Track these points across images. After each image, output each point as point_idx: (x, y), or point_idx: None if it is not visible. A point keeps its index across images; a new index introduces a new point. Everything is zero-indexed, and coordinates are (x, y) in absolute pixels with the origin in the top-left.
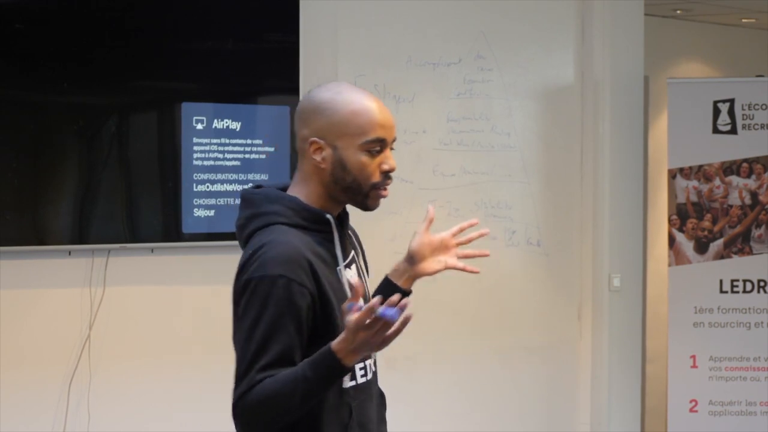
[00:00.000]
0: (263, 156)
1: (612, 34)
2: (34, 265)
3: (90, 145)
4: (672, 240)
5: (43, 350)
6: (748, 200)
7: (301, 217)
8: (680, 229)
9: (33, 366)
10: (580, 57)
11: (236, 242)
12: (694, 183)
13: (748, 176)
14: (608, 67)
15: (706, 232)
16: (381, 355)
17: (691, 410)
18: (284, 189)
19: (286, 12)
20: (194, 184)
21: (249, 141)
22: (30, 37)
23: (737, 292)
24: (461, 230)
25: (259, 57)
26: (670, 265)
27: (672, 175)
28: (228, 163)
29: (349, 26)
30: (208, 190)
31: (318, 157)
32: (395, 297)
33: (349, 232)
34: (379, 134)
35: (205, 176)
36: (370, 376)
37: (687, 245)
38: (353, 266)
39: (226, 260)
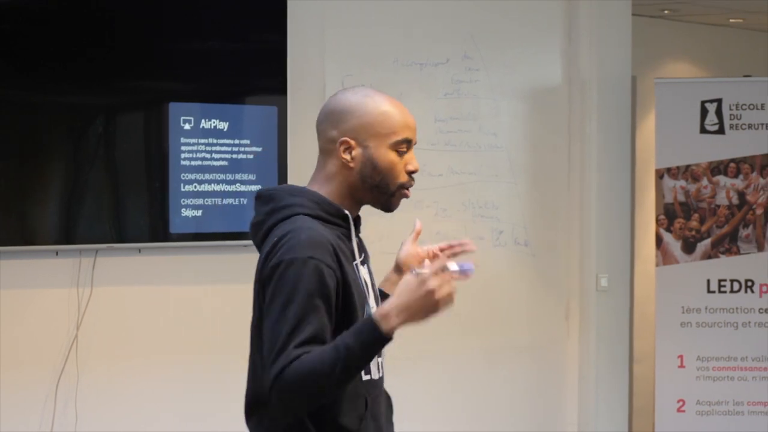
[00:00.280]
0: (251, 156)
1: (599, 34)
2: (21, 266)
3: (77, 145)
4: (659, 240)
5: (30, 350)
6: (735, 200)
7: (322, 210)
8: (668, 229)
9: (20, 366)
10: (567, 57)
11: (224, 242)
12: (682, 183)
13: (736, 176)
14: (596, 67)
15: (693, 232)
16: None
17: (678, 410)
18: None
19: (274, 12)
20: (182, 184)
21: (236, 141)
22: (17, 37)
23: (725, 292)
24: (450, 247)
25: (247, 57)
26: (657, 265)
27: (659, 175)
28: (215, 163)
29: (336, 26)
30: (195, 190)
31: (348, 156)
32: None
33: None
34: (407, 135)
35: (192, 176)
36: (381, 374)
37: (674, 245)
38: (366, 266)
39: (214, 260)
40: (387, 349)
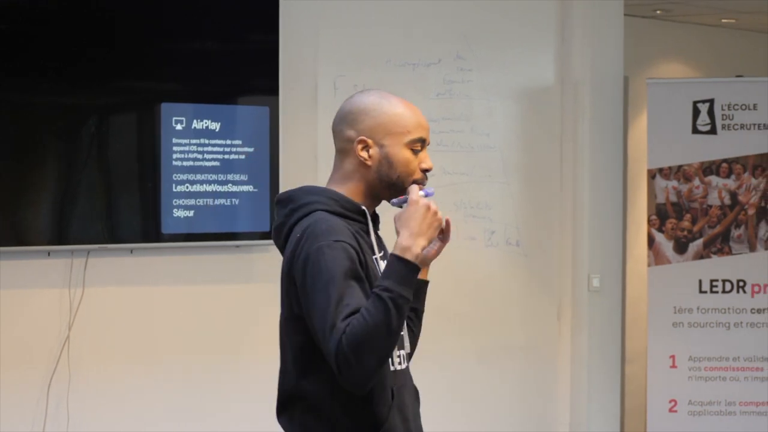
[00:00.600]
0: (243, 156)
1: (592, 34)
2: (13, 266)
3: (69, 146)
4: (651, 240)
5: (22, 351)
6: (727, 200)
7: (340, 206)
8: (660, 230)
9: (12, 367)
10: (559, 57)
11: (216, 243)
12: (674, 183)
13: (728, 176)
14: (588, 67)
15: (685, 233)
16: None
17: (670, 410)
18: None
19: (266, 12)
20: (173, 185)
21: (228, 141)
22: (9, 37)
23: (716, 292)
24: None
25: (239, 57)
26: (649, 265)
27: (651, 175)
28: (207, 164)
29: (329, 27)
30: (187, 190)
31: (365, 155)
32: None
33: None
34: (421, 134)
35: (184, 177)
36: (405, 365)
37: (666, 245)
38: (385, 262)
39: (206, 261)
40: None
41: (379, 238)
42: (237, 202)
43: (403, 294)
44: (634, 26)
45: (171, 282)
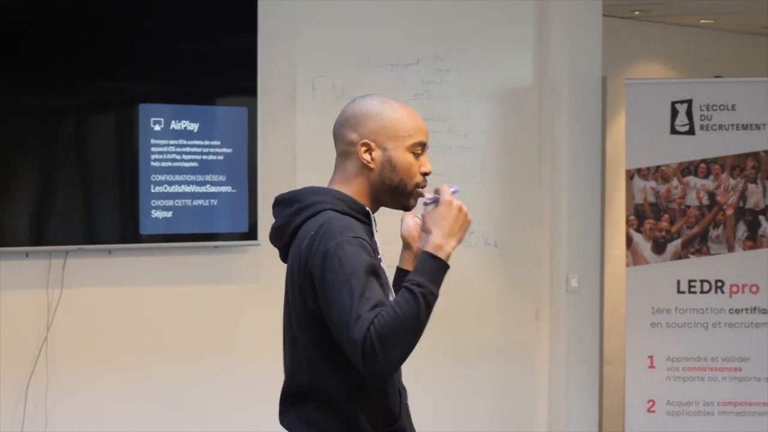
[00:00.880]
0: (221, 157)
1: (570, 35)
2: None
3: (47, 147)
4: (630, 240)
5: (0, 352)
6: (705, 201)
7: (347, 206)
8: (638, 230)
9: None
10: (538, 58)
11: (194, 244)
12: (652, 183)
13: (706, 177)
14: (566, 67)
15: (663, 233)
16: None
17: (648, 410)
18: None
19: (245, 13)
20: (152, 186)
21: (207, 142)
22: None
23: (695, 292)
24: None
25: (217, 58)
26: (627, 265)
27: (630, 175)
28: (186, 165)
29: (307, 27)
30: (165, 191)
31: (368, 157)
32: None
33: None
34: (422, 138)
35: (162, 177)
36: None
37: (645, 245)
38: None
39: (184, 261)
40: None
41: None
42: (215, 203)
43: (433, 291)
44: (612, 27)
45: (149, 283)
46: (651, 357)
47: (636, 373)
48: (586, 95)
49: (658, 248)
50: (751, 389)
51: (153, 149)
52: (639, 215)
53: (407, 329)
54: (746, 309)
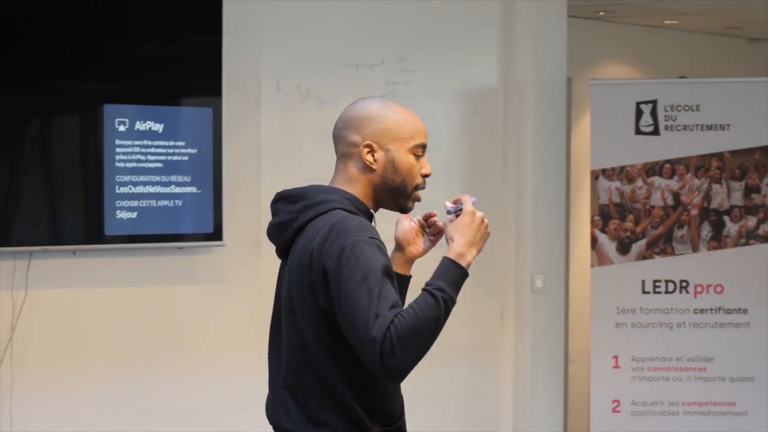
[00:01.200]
0: (186, 158)
1: (535, 35)
2: None
3: (11, 147)
4: (594, 241)
5: None
6: (670, 201)
7: (354, 206)
8: (603, 230)
9: None
10: (502, 58)
11: (159, 244)
12: (617, 184)
13: (671, 177)
14: (531, 68)
15: (628, 233)
16: None
17: (613, 410)
18: None
19: (210, 13)
20: (117, 186)
21: (172, 143)
22: None
23: (659, 292)
24: (431, 215)
25: (182, 58)
26: (592, 265)
27: (594, 176)
28: (150, 165)
29: (272, 28)
30: (130, 192)
31: (371, 158)
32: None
33: None
34: (423, 140)
35: (127, 178)
36: None
37: (609, 246)
38: None
39: (149, 262)
40: None
41: None
42: (180, 204)
43: (453, 297)
44: (577, 27)
45: (114, 284)
46: (616, 357)
47: (601, 373)
48: (550, 96)
49: (623, 248)
50: (715, 389)
51: (118, 150)
52: (604, 215)
53: (427, 331)
54: (711, 309)
